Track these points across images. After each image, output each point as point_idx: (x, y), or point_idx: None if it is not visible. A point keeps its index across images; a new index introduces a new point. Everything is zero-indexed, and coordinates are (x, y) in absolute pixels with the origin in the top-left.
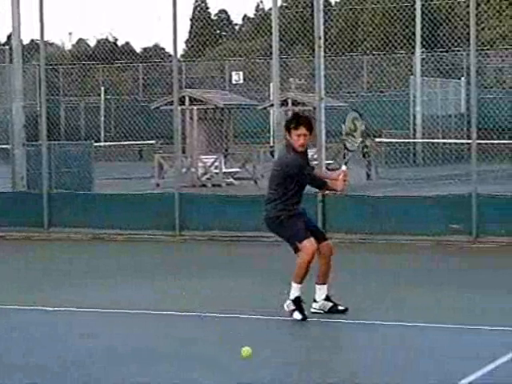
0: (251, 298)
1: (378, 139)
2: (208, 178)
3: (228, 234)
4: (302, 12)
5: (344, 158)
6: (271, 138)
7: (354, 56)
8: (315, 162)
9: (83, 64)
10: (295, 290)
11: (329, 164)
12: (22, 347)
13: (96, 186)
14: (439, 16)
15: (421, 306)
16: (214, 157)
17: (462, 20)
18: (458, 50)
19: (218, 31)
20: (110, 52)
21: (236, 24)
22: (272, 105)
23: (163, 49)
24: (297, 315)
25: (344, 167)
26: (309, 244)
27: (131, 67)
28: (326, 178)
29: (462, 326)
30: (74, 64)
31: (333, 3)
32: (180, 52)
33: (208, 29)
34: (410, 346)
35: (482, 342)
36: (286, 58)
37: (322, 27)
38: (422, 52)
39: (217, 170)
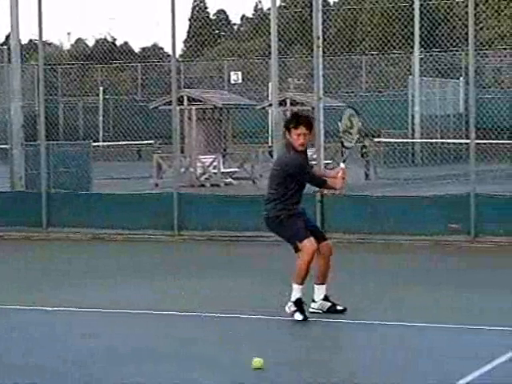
0: (251, 298)
1: (376, 139)
2: (207, 178)
3: (227, 234)
4: (300, 12)
5: (342, 155)
6: (270, 138)
7: (353, 56)
8: (314, 162)
9: (82, 64)
10: (296, 292)
11: (327, 164)
12: (21, 347)
13: (94, 185)
14: (438, 16)
15: (419, 306)
16: (213, 157)
17: (460, 20)
18: (457, 50)
19: (217, 31)
20: (109, 52)
21: (234, 24)
22: (270, 105)
23: (162, 49)
24: (298, 316)
25: (342, 165)
26: (309, 244)
27: (130, 67)
28: (325, 176)
29: (460, 325)
30: (73, 64)
31: (331, 3)
32: (178, 52)
33: (206, 29)
34: (409, 346)
35: (480, 341)
36: (285, 57)
37: (320, 27)
38: (421, 52)
39: (215, 170)
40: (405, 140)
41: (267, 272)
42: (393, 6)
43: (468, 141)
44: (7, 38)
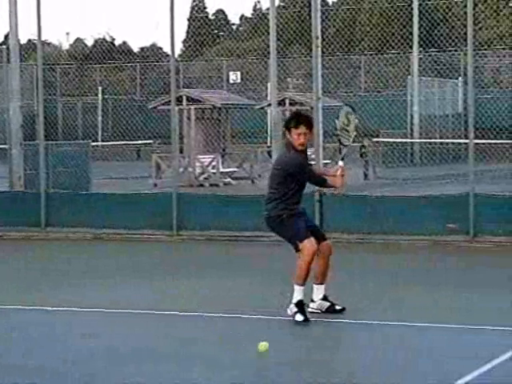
0: (250, 298)
1: (375, 139)
2: (205, 178)
3: (226, 234)
4: (299, 12)
5: (340, 153)
6: (268, 138)
7: (352, 56)
8: (313, 162)
9: (80, 64)
10: (298, 293)
11: (326, 164)
12: (21, 347)
13: (93, 185)
14: (436, 16)
15: (419, 306)
16: (212, 156)
17: (459, 20)
18: (456, 50)
19: (216, 31)
20: (108, 52)
21: (233, 24)
22: (269, 104)
23: (161, 48)
24: (298, 317)
25: (341, 163)
26: (309, 244)
27: (129, 67)
28: (324, 174)
29: (460, 325)
30: (72, 64)
31: (330, 3)
32: (177, 52)
33: (205, 29)
34: (409, 346)
35: (480, 341)
36: (284, 57)
37: (319, 27)
38: (420, 52)
39: (214, 170)
40: (404, 140)
41: (267, 272)
42: (391, 6)
43: (467, 141)
44: (6, 37)
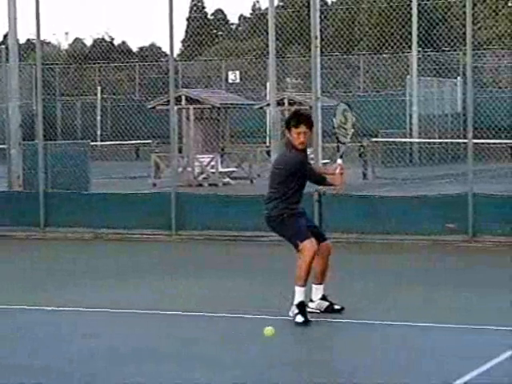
0: (250, 298)
1: (374, 139)
2: (204, 178)
3: (225, 234)
4: (298, 12)
5: (338, 151)
6: (267, 138)
7: (351, 56)
8: (312, 162)
9: (79, 63)
10: (299, 295)
11: (325, 163)
12: (26, 347)
13: (92, 185)
14: (435, 16)
15: (418, 306)
16: (211, 156)
17: (458, 20)
18: (455, 50)
19: (215, 31)
20: (107, 51)
21: (232, 24)
22: (268, 104)
23: (160, 48)
24: (299, 318)
25: (339, 161)
26: (309, 245)
27: (128, 67)
28: (324, 173)
29: (459, 325)
30: (71, 63)
31: (329, 3)
32: (176, 51)
33: (204, 28)
34: (408, 346)
35: (479, 341)
36: (283, 57)
37: (318, 27)
38: (419, 52)
39: (213, 170)
40: (403, 140)
41: (266, 272)
42: (390, 6)
43: (466, 140)
44: (5, 37)
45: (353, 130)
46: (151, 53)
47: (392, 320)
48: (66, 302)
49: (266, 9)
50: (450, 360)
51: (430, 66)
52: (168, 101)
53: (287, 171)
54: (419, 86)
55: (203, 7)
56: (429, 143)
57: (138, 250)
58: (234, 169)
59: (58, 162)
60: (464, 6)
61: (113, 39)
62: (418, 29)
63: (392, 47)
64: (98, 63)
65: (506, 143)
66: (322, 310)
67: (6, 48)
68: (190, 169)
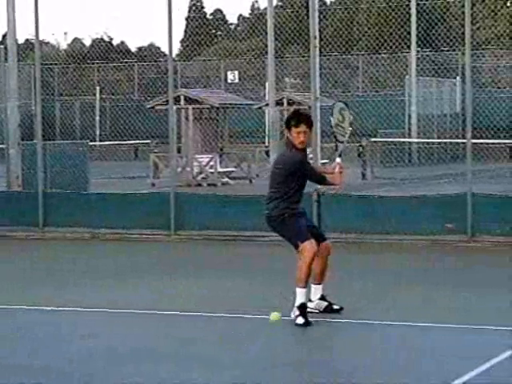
0: (249, 298)
1: (373, 139)
2: (203, 178)
3: (224, 234)
4: (297, 12)
5: (336, 150)
6: (266, 138)
7: (350, 56)
8: (311, 162)
9: (78, 63)
10: (300, 296)
11: (324, 163)
12: (26, 347)
13: (91, 185)
14: (434, 16)
15: (417, 306)
16: (210, 156)
17: (457, 20)
18: (453, 50)
19: (214, 31)
20: (105, 51)
21: (231, 24)
22: (267, 104)
23: (158, 48)
24: (300, 320)
25: (338, 159)
26: (309, 246)
27: (126, 67)
28: (324, 172)
29: (458, 325)
30: (69, 63)
31: (328, 3)
32: (175, 51)
33: (203, 28)
34: (407, 346)
35: (478, 341)
36: (282, 57)
37: (317, 27)
38: (417, 52)
39: (212, 170)
40: (402, 140)
41: (266, 272)
42: (389, 6)
43: (465, 140)
44: (4, 37)
45: (350, 129)
46: (150, 53)
47: (391, 320)
48: (65, 302)
49: (265, 9)
50: (449, 360)
51: (429, 66)
52: (167, 101)
53: (287, 171)
54: (418, 85)
55: (202, 7)
56: (428, 143)
57: (137, 249)
58: (233, 169)
59: (57, 161)
60: (463, 6)
61: (112, 39)
62: (417, 29)
63: (391, 47)
64: (97, 63)
65: (504, 143)
66: (321, 309)
67: (5, 48)
68: (188, 169)
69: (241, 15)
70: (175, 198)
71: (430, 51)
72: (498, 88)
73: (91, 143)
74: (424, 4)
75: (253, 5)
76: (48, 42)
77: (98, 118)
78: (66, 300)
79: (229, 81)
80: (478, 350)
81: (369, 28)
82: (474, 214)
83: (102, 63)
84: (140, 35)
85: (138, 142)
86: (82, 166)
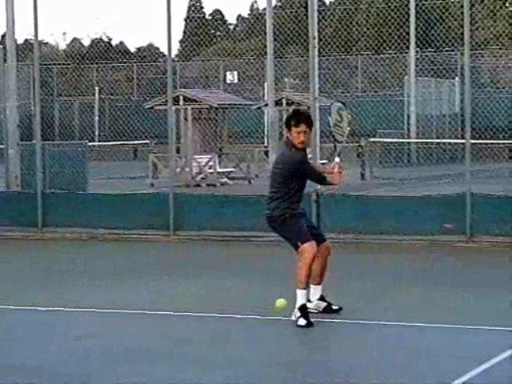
0: (247, 298)
1: (372, 139)
2: (202, 178)
3: (223, 234)
4: (296, 12)
5: (335, 150)
6: (266, 138)
7: (349, 56)
8: (310, 162)
9: (77, 64)
10: (301, 298)
11: (324, 163)
12: (21, 347)
13: (90, 185)
14: (433, 16)
15: (416, 306)
16: (209, 156)
17: (456, 20)
18: (452, 50)
19: (213, 31)
20: (104, 51)
21: (230, 24)
22: (266, 104)
23: (158, 48)
24: (301, 321)
25: (337, 159)
26: (310, 247)
27: (125, 67)
28: (323, 172)
29: (457, 325)
30: (68, 64)
31: (327, 3)
32: (174, 52)
33: (202, 28)
34: (406, 346)
35: (477, 341)
36: (281, 57)
37: (316, 27)
38: (416, 52)
39: (211, 170)
40: (400, 140)
41: (264, 272)
42: (388, 6)
43: (464, 141)
44: (3, 37)
45: (349, 129)
46: (149, 53)
47: (389, 320)
48: (64, 302)
49: (264, 9)
50: (447, 360)
51: (428, 66)
52: (166, 101)
53: (287, 170)
54: (417, 86)
55: (201, 7)
56: (427, 143)
57: (136, 250)
58: (232, 169)
59: (56, 162)
60: (462, 7)
61: (111, 39)
62: (416, 29)
63: (390, 47)
64: (96, 63)
65: (503, 143)
66: (320, 310)
67: (4, 48)
68: (187, 169)
69: (240, 15)
70: (174, 199)
71: (429, 51)
72: (497, 88)
73: (90, 143)
74: (423, 4)
75: (252, 5)
76: (47, 43)
77: (97, 118)
78: (64, 300)
79: (228, 81)
80: (477, 350)
81: (368, 28)
82: (472, 214)
83: (101, 63)
84: (139, 35)
85: (137, 142)
86: (80, 167)
